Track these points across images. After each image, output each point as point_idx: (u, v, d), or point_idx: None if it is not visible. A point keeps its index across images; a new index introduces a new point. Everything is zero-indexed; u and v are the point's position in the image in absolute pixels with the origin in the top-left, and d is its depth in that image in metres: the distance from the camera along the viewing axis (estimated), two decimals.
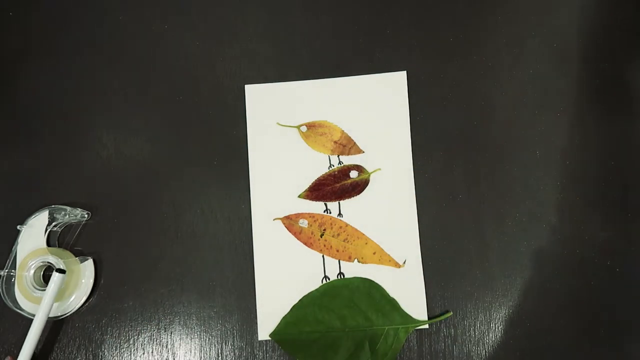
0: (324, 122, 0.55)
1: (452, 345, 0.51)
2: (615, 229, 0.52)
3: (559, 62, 0.55)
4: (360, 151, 0.55)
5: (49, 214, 0.53)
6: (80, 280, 0.53)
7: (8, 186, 0.55)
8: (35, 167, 0.55)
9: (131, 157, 0.55)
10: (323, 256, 0.53)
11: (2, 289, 0.52)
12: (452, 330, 0.52)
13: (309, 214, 0.54)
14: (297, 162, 0.55)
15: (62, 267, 0.51)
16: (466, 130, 0.54)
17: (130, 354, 0.53)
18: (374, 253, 0.53)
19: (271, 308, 0.52)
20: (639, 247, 0.52)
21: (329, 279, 0.53)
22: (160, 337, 0.53)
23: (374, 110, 0.55)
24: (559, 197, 0.53)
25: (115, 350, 0.53)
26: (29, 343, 0.49)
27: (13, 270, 0.52)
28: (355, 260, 0.53)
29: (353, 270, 0.53)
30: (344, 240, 0.53)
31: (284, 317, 0.52)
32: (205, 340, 0.53)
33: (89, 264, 0.53)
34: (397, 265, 0.53)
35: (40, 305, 0.50)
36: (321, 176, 0.54)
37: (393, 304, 0.52)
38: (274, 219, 0.54)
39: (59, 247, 0.54)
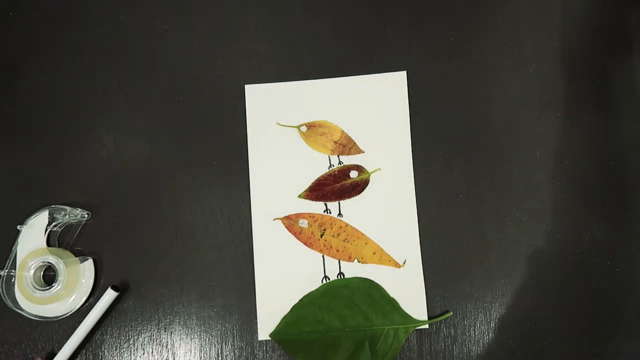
0: (324, 122, 0.55)
1: (452, 345, 0.51)
2: (615, 229, 0.52)
3: (559, 62, 0.55)
4: (360, 151, 0.55)
5: (49, 214, 0.53)
6: (80, 280, 0.53)
7: (8, 186, 0.55)
8: (35, 167, 0.55)
9: (131, 157, 0.55)
10: (323, 256, 0.53)
11: (2, 289, 0.52)
12: (452, 330, 0.52)
13: (309, 214, 0.54)
14: (297, 162, 0.55)
15: (117, 285, 0.53)
16: (466, 130, 0.54)
17: (130, 354, 0.53)
18: (374, 253, 0.53)
19: (271, 308, 0.53)
20: (639, 247, 0.52)
21: (329, 279, 0.53)
22: (160, 337, 0.53)
23: (374, 110, 0.55)
24: (559, 197, 0.53)
25: (115, 350, 0.53)
26: (64, 354, 0.51)
27: (13, 270, 0.52)
28: (355, 260, 0.53)
29: (353, 270, 0.53)
30: (344, 240, 0.53)
31: (284, 317, 0.52)
32: (205, 340, 0.53)
33: (89, 264, 0.53)
34: (397, 265, 0.53)
35: (85, 320, 0.52)
36: (321, 176, 0.54)
37: (393, 304, 0.52)
38: (274, 219, 0.54)
39: (59, 247, 0.54)
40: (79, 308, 0.53)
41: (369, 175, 0.54)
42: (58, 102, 0.56)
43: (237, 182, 0.55)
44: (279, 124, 0.55)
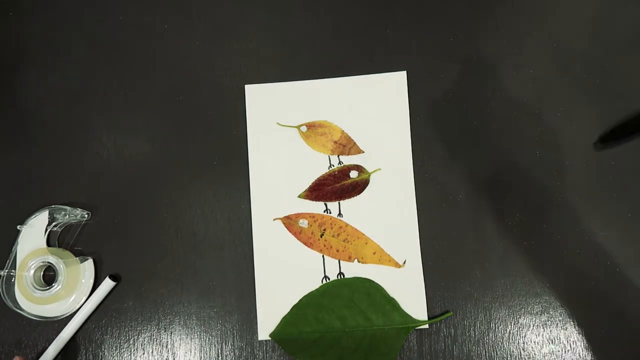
0: (324, 122, 0.55)
1: (452, 345, 0.51)
2: (615, 229, 0.52)
3: (559, 62, 0.55)
4: (360, 151, 0.55)
5: (49, 214, 0.53)
6: (80, 280, 0.53)
7: (8, 186, 0.55)
8: (35, 167, 0.55)
9: (131, 157, 0.55)
10: (323, 256, 0.53)
11: (2, 289, 0.52)
12: (452, 330, 0.52)
13: (309, 214, 0.54)
14: (297, 162, 0.55)
15: (113, 273, 0.53)
16: (466, 130, 0.54)
17: (130, 354, 0.53)
18: (374, 253, 0.53)
19: (271, 308, 0.53)
20: (639, 247, 0.52)
21: (329, 279, 0.53)
22: (160, 337, 0.53)
23: (374, 110, 0.55)
24: (559, 197, 0.53)
25: (115, 350, 0.53)
26: (58, 343, 0.52)
27: (13, 270, 0.52)
28: (355, 260, 0.53)
29: (353, 270, 0.53)
30: (344, 240, 0.53)
31: (284, 317, 0.52)
32: (205, 340, 0.53)
33: (89, 264, 0.53)
34: (397, 265, 0.53)
35: (81, 309, 0.52)
36: (321, 176, 0.54)
37: (393, 304, 0.52)
38: (274, 219, 0.54)
39: (59, 247, 0.54)
40: (79, 308, 0.53)
41: (369, 175, 0.54)
42: (58, 102, 0.56)
43: (237, 182, 0.55)
44: (279, 124, 0.55)
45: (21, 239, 0.53)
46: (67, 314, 0.52)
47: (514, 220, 0.53)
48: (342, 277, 0.53)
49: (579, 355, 0.51)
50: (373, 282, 0.52)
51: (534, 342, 0.51)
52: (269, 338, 0.52)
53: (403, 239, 0.53)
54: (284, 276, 0.53)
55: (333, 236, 0.53)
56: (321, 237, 0.54)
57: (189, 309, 0.53)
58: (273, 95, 0.56)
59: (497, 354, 0.51)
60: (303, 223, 0.54)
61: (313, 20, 0.57)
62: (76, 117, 0.56)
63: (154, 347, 0.53)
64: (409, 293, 0.52)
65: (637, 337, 0.51)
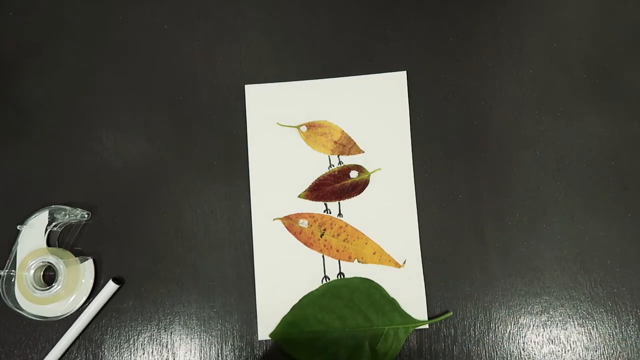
0: (324, 122, 0.55)
1: (452, 345, 0.51)
2: (615, 229, 0.52)
3: (559, 62, 0.55)
4: (360, 151, 0.55)
5: (49, 214, 0.53)
6: (80, 280, 0.53)
7: (8, 186, 0.55)
8: (35, 167, 0.55)
9: (131, 157, 0.55)
10: (323, 256, 0.53)
11: (2, 289, 0.52)
12: (452, 330, 0.52)
13: (309, 214, 0.54)
14: (297, 162, 0.55)
15: (117, 277, 0.53)
16: (466, 130, 0.54)
17: (130, 354, 0.53)
18: (374, 253, 0.53)
19: (271, 308, 0.52)
20: (639, 247, 0.52)
21: (329, 279, 0.53)
22: (160, 337, 0.53)
23: (374, 110, 0.55)
24: (559, 197, 0.53)
25: (115, 350, 0.53)
26: (60, 347, 0.52)
27: (13, 270, 0.52)
28: (355, 260, 0.53)
29: (353, 270, 0.53)
30: (344, 240, 0.53)
31: (284, 317, 0.52)
32: (205, 340, 0.53)
33: (89, 264, 0.53)
34: (397, 265, 0.53)
35: (83, 313, 0.52)
36: (321, 176, 0.54)
37: (393, 304, 0.52)
38: (274, 219, 0.54)
39: (59, 247, 0.54)
40: (79, 308, 0.53)
41: (369, 175, 0.54)
42: (58, 102, 0.56)
43: (237, 182, 0.55)
44: (279, 124, 0.55)
45: (21, 239, 0.53)
46: (67, 314, 0.52)
47: (514, 220, 0.53)
48: (342, 277, 0.53)
49: (579, 355, 0.51)
50: (373, 282, 0.52)
51: (534, 342, 0.51)
52: (269, 338, 0.52)
53: (403, 239, 0.53)
54: (284, 276, 0.53)
55: (333, 236, 0.53)
56: (321, 237, 0.54)
57: (189, 309, 0.53)
58: (273, 95, 0.56)
59: (497, 354, 0.51)
60: (303, 223, 0.54)
61: (313, 20, 0.57)
62: (76, 117, 0.56)
63: (154, 347, 0.53)
64: (409, 293, 0.52)
65: (637, 337, 0.51)
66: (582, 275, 0.52)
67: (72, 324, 0.52)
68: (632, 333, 0.51)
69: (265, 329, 0.52)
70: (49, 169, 0.55)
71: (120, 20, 0.58)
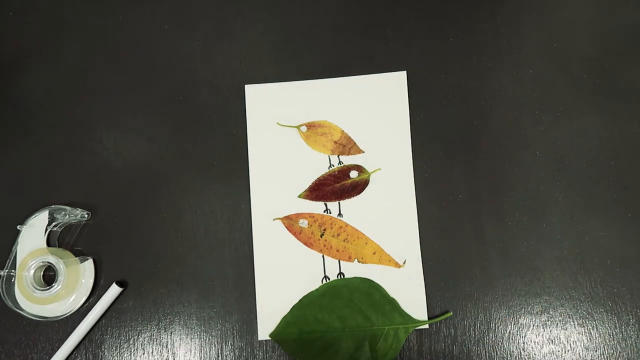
0: (324, 122, 0.55)
1: (452, 345, 0.51)
2: (615, 229, 0.52)
3: (559, 62, 0.55)
4: (360, 151, 0.55)
5: (49, 214, 0.53)
6: (80, 280, 0.53)
7: (8, 186, 0.55)
8: (35, 167, 0.55)
9: (131, 157, 0.55)
10: (323, 256, 0.53)
11: (2, 289, 0.52)
12: (452, 330, 0.52)
13: (309, 214, 0.54)
14: (297, 162, 0.55)
15: (121, 280, 0.53)
16: (466, 130, 0.54)
17: (130, 354, 0.53)
18: (374, 253, 0.53)
19: (271, 308, 0.52)
20: (639, 247, 0.52)
21: (329, 279, 0.53)
22: (160, 337, 0.53)
23: (374, 110, 0.55)
24: (559, 197, 0.53)
25: (115, 350, 0.53)
26: (63, 352, 0.52)
27: (13, 270, 0.52)
28: (355, 260, 0.53)
29: (353, 270, 0.53)
30: (344, 240, 0.53)
31: (284, 317, 0.52)
32: (205, 340, 0.53)
33: (89, 264, 0.53)
34: (397, 265, 0.53)
35: (86, 317, 0.52)
36: (321, 176, 0.54)
37: (393, 304, 0.52)
38: (274, 219, 0.54)
39: (59, 247, 0.54)
40: (79, 308, 0.53)
41: (369, 175, 0.54)
42: (58, 102, 0.56)
43: (237, 182, 0.55)
44: (279, 124, 0.55)
45: (21, 239, 0.53)
46: (67, 314, 0.52)
47: (514, 220, 0.53)
48: (342, 277, 0.53)
49: (579, 355, 0.51)
50: (373, 282, 0.52)
51: (534, 342, 0.51)
52: (269, 338, 0.52)
53: (403, 239, 0.53)
54: (284, 276, 0.53)
55: (333, 236, 0.53)
56: (321, 237, 0.54)
57: (189, 309, 0.53)
58: (273, 95, 0.56)
59: (497, 354, 0.51)
60: (303, 223, 0.54)
61: (313, 20, 0.57)
62: (76, 117, 0.56)
63: (154, 347, 0.53)
64: (409, 293, 0.52)
65: (637, 337, 0.51)
66: (582, 275, 0.52)
67: (73, 326, 0.52)
68: (632, 333, 0.51)
69: (265, 329, 0.52)
70: (49, 169, 0.55)
71: (120, 20, 0.58)
